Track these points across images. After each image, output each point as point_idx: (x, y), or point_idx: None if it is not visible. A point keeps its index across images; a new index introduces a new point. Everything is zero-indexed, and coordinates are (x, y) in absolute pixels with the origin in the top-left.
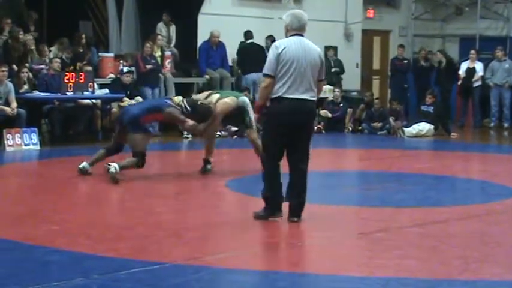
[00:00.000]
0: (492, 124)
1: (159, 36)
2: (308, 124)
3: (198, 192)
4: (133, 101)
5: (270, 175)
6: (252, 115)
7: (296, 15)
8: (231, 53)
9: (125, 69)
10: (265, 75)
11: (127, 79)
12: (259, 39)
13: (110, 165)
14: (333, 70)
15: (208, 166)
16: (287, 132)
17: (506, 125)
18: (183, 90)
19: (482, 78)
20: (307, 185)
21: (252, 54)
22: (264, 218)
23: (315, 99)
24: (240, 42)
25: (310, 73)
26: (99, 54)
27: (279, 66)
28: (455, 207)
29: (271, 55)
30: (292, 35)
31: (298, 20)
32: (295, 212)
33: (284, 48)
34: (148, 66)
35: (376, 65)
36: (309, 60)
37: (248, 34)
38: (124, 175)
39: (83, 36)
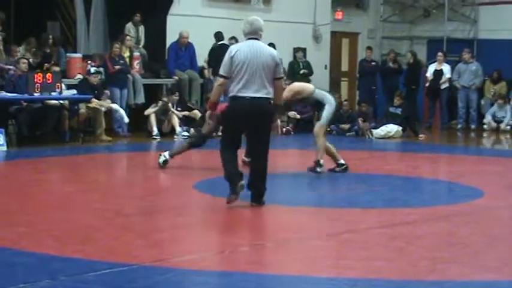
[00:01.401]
0: (459, 126)
1: (128, 37)
2: (262, 119)
3: (166, 193)
4: (102, 102)
5: (226, 161)
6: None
7: (249, 21)
8: (200, 54)
9: (93, 69)
10: (219, 75)
11: (94, 80)
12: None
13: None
14: (301, 72)
15: (318, 169)
16: (242, 126)
17: (473, 126)
18: (152, 91)
19: (450, 80)
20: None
21: (223, 56)
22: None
23: (269, 96)
24: (213, 45)
25: (263, 73)
26: (67, 54)
27: (233, 68)
28: (423, 208)
29: (226, 57)
30: (248, 39)
31: (250, 24)
32: (254, 198)
33: (237, 51)
34: (117, 67)
35: (344, 66)
36: (261, 61)
37: (219, 35)
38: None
39: (50, 36)
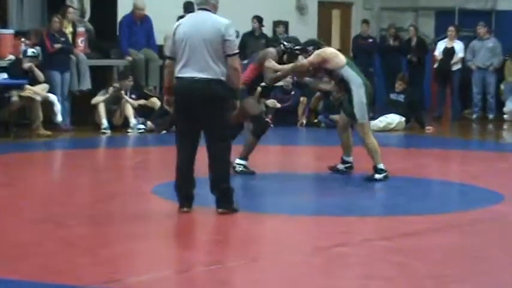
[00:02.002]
0: (474, 115)
1: (70, 9)
2: (209, 104)
3: (119, 199)
4: (38, 89)
5: (178, 167)
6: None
7: None
8: (160, 29)
9: (30, 51)
10: (166, 56)
11: (27, 65)
12: None
13: (234, 165)
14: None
15: (340, 166)
16: (187, 113)
17: (490, 116)
18: (100, 75)
19: (463, 60)
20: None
21: None
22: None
23: (216, 77)
24: (178, 17)
25: (206, 50)
26: None
27: (176, 46)
28: (430, 216)
29: (171, 34)
30: (197, 10)
31: None
32: (219, 203)
33: (178, 27)
34: (57, 46)
35: (335, 44)
36: (202, 36)
37: (188, 6)
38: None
39: None
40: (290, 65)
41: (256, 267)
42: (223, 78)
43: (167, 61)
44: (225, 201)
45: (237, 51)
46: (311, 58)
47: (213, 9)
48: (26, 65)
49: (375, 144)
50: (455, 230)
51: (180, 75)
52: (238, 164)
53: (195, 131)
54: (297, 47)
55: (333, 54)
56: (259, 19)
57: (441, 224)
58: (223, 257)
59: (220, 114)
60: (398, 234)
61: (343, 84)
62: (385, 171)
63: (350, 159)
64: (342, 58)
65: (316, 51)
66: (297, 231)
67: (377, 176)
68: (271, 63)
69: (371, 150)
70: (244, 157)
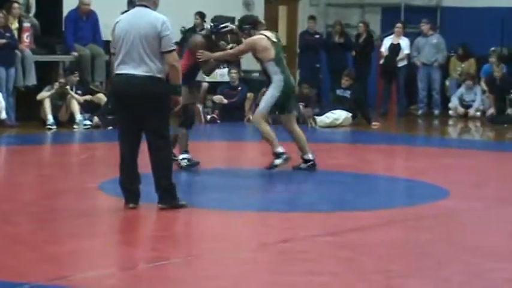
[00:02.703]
0: (420, 111)
1: (15, 4)
2: (147, 101)
3: (65, 196)
4: None
5: (122, 163)
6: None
7: None
8: (106, 24)
9: None
10: (111, 53)
11: None
12: None
13: (178, 160)
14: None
15: (278, 161)
16: (126, 110)
17: (436, 112)
18: (45, 70)
19: (409, 56)
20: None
21: None
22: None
23: (152, 74)
24: (122, 12)
25: (142, 47)
26: None
27: (114, 42)
28: (376, 212)
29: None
30: (137, 6)
31: None
32: (162, 199)
33: (117, 23)
34: (1, 41)
35: (282, 40)
36: (139, 32)
37: (132, 1)
38: None
39: None
40: (221, 53)
41: (202, 264)
42: (160, 75)
43: (113, 57)
44: (167, 198)
45: (173, 47)
46: (241, 47)
47: (153, 5)
48: None
49: (268, 131)
50: (400, 225)
51: (117, 72)
52: (182, 159)
53: (135, 127)
54: (222, 25)
55: (264, 47)
56: (201, 15)
57: (387, 219)
58: (169, 253)
59: (158, 111)
60: (344, 230)
61: (267, 77)
62: (285, 154)
63: (310, 156)
64: (270, 53)
65: (247, 41)
66: (243, 227)
67: (277, 161)
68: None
69: (266, 137)
70: (185, 151)
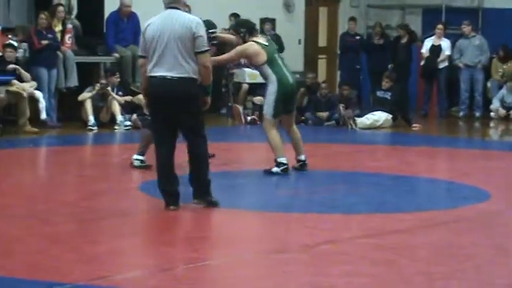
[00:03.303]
0: (461, 113)
1: (60, 8)
2: (182, 102)
3: (105, 197)
4: (26, 85)
5: (159, 165)
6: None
7: None
8: None
9: (13, 42)
10: (139, 56)
11: (9, 54)
12: None
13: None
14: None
15: (275, 169)
16: (163, 111)
17: (477, 114)
18: (87, 72)
19: (450, 58)
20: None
21: None
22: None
23: (186, 75)
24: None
25: (177, 49)
26: None
27: (147, 45)
28: (418, 214)
29: (141, 34)
30: (166, 9)
31: None
32: (196, 194)
33: (149, 25)
34: (44, 42)
35: (322, 41)
36: (173, 35)
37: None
38: None
39: None
40: (215, 58)
41: (241, 265)
42: (194, 76)
43: (141, 60)
44: (203, 193)
45: (207, 48)
46: (233, 54)
47: (183, 7)
48: (11, 66)
49: (274, 138)
50: (442, 228)
51: (152, 75)
52: (136, 159)
53: (171, 129)
54: (210, 30)
55: (254, 52)
56: (235, 16)
57: (428, 221)
58: (208, 254)
59: (193, 111)
60: (385, 232)
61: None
62: (285, 165)
63: (302, 157)
64: (262, 57)
65: (239, 48)
66: (283, 229)
67: (274, 169)
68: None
69: (271, 144)
70: (142, 152)
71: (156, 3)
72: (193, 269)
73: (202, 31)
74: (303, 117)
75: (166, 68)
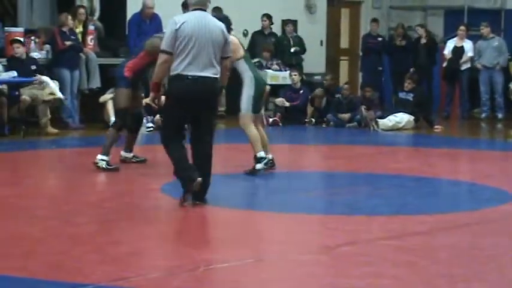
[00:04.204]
0: (483, 115)
1: (81, 10)
2: (210, 102)
3: (127, 198)
4: (46, 91)
5: (176, 159)
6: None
7: None
8: None
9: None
10: (162, 51)
11: (18, 50)
12: None
13: (97, 162)
14: (292, 50)
15: (258, 166)
16: (188, 110)
17: (499, 115)
18: (109, 73)
19: (472, 59)
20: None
21: None
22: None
23: (217, 76)
24: None
25: (212, 50)
26: (6, 29)
27: (177, 42)
28: (439, 215)
29: (168, 30)
30: (194, 10)
31: None
32: (198, 195)
33: (183, 23)
34: (68, 43)
35: (344, 43)
36: (210, 36)
37: (186, 5)
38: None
39: None
40: None
41: (262, 266)
42: (219, 76)
43: (165, 56)
44: (203, 194)
45: (231, 54)
46: None
47: (206, 9)
48: (40, 78)
49: (255, 134)
50: (464, 229)
51: (186, 73)
52: (101, 160)
53: (184, 127)
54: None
55: (236, 46)
56: (269, 17)
57: (450, 223)
58: (231, 255)
59: (216, 108)
60: (406, 233)
61: (236, 76)
62: (266, 158)
63: (270, 156)
64: (240, 52)
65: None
66: (305, 230)
67: (258, 166)
68: None
69: (252, 140)
70: (106, 153)
71: (178, 4)
72: (214, 271)
73: (229, 36)
74: (325, 119)
75: (200, 68)
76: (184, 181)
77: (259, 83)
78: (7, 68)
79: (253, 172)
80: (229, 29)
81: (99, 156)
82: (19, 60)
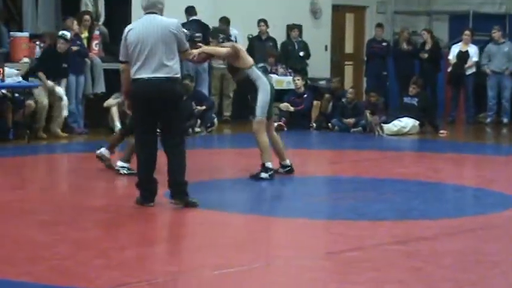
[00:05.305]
0: (488, 120)
1: (86, 16)
2: (166, 102)
3: (131, 202)
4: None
5: (140, 162)
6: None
7: None
8: None
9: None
10: (119, 61)
11: (62, 46)
12: (205, 17)
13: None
14: (301, 54)
15: (263, 174)
16: (146, 112)
17: (505, 120)
18: (114, 78)
19: (477, 64)
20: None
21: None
22: (140, 204)
23: (170, 75)
24: (185, 22)
25: (164, 50)
26: (11, 33)
27: (129, 50)
28: (444, 220)
29: (122, 40)
30: (145, 14)
31: None
32: (173, 194)
33: (129, 31)
34: (74, 48)
35: (349, 48)
36: (159, 37)
37: (190, 10)
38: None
39: None
40: (210, 48)
41: (267, 271)
42: (177, 75)
43: (122, 65)
44: (180, 194)
45: (188, 47)
46: (230, 50)
47: (160, 12)
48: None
49: (266, 142)
50: (469, 235)
51: (137, 77)
52: (122, 167)
53: (155, 130)
54: (196, 34)
55: (244, 54)
56: (266, 22)
57: (455, 228)
58: (236, 260)
59: (175, 109)
60: (412, 239)
61: (246, 85)
62: (272, 171)
63: (288, 162)
64: (250, 60)
65: (234, 45)
66: (310, 235)
67: (263, 174)
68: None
69: (261, 148)
70: (128, 160)
71: (182, 9)
72: (219, 275)
73: (182, 31)
74: (329, 124)
75: (151, 70)
76: (138, 186)
77: (271, 88)
78: (41, 62)
79: (256, 178)
80: (226, 39)
81: (120, 163)
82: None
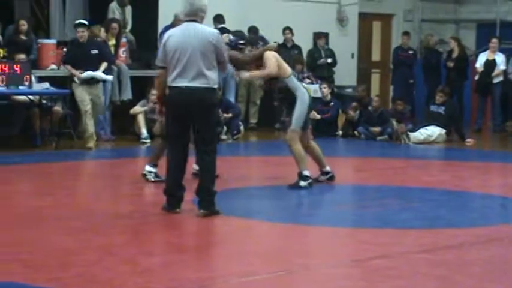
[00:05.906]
0: None
1: (114, 24)
2: (201, 111)
3: (157, 209)
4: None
5: (169, 168)
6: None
7: (189, 0)
8: None
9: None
10: (157, 66)
11: (82, 34)
12: (233, 25)
13: (145, 173)
14: (329, 60)
15: (302, 183)
16: (180, 120)
17: None
18: (141, 85)
19: (505, 72)
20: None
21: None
22: (166, 210)
23: (208, 85)
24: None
25: (201, 59)
26: (39, 40)
27: (168, 56)
28: (472, 229)
29: (160, 45)
30: (186, 21)
31: (190, 4)
32: (201, 202)
33: (169, 37)
34: None
35: (375, 55)
36: (197, 46)
37: (219, 19)
38: None
39: (23, 23)
40: (258, 73)
41: (293, 279)
42: (215, 86)
43: (159, 70)
44: (208, 203)
45: (226, 58)
46: (272, 68)
47: (201, 20)
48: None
49: (300, 151)
50: (496, 243)
51: (175, 85)
52: (148, 171)
53: (186, 138)
54: (241, 41)
55: (279, 62)
56: (291, 30)
57: (482, 237)
58: (262, 268)
59: (209, 118)
60: (438, 247)
61: (284, 95)
62: (310, 179)
63: (328, 168)
64: (288, 69)
65: (274, 55)
66: (335, 243)
67: (302, 183)
68: (234, 53)
69: (296, 157)
70: (154, 164)
71: (209, 16)
72: (246, 283)
73: (222, 42)
74: (355, 131)
75: (189, 79)
76: (166, 192)
77: (310, 98)
78: (69, 54)
79: (295, 187)
80: (263, 45)
81: (148, 168)
82: (80, 44)
